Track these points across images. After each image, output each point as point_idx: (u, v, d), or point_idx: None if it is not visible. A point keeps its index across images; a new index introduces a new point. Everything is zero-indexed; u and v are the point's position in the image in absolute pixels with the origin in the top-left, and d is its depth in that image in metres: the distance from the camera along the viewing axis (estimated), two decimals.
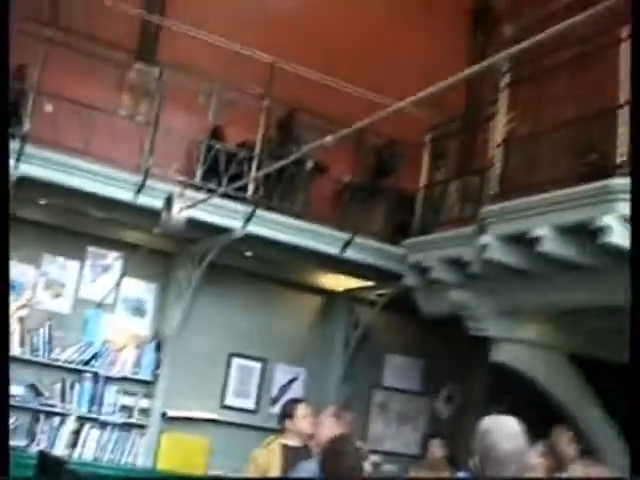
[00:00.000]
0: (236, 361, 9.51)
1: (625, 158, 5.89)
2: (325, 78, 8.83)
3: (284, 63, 8.68)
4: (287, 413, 6.72)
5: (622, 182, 5.72)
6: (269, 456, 6.45)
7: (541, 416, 6.68)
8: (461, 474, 7.06)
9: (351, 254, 8.93)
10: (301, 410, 6.71)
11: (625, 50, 6.02)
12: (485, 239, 6.88)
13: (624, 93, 5.98)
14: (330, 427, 6.16)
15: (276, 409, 7.83)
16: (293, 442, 6.57)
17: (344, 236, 8.87)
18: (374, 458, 8.73)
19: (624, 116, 5.96)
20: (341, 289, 10.01)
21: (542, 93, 7.18)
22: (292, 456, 6.40)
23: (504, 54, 3.98)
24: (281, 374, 9.74)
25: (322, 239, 8.81)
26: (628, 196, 5.59)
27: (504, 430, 3.51)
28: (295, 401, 7.19)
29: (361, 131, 8.01)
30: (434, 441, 8.57)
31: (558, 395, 7.71)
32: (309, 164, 9.08)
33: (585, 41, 6.55)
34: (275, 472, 6.38)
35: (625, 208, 5.67)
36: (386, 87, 7.69)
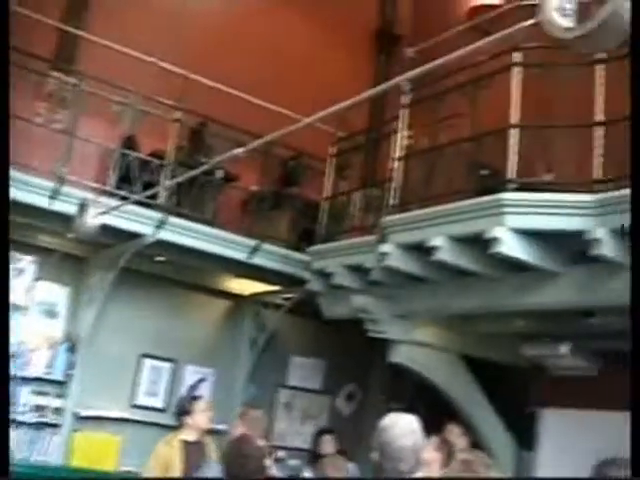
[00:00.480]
0: (147, 362, 9.43)
1: (514, 175, 6.15)
2: (237, 92, 8.96)
3: (197, 76, 8.77)
4: (186, 409, 6.95)
5: (511, 196, 6.00)
6: (170, 452, 6.66)
7: (436, 412, 7.07)
8: (351, 466, 7.40)
9: (258, 260, 9.05)
10: (199, 406, 6.95)
11: (516, 74, 6.35)
12: (385, 248, 7.05)
13: (515, 114, 6.26)
14: (238, 427, 6.53)
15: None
16: (192, 437, 6.82)
17: (251, 243, 9.00)
18: (279, 454, 9.11)
19: (515, 136, 6.24)
20: (248, 293, 10.06)
21: (440, 112, 7.32)
22: (191, 451, 6.68)
23: (403, 77, 4.35)
24: (190, 374, 9.69)
25: (230, 245, 8.91)
26: (517, 209, 6.04)
27: (401, 427, 3.68)
28: (193, 398, 7.38)
29: (270, 143, 7.97)
30: (326, 436, 8.71)
31: (451, 393, 7.95)
32: (219, 174, 9.19)
33: (480, 65, 6.86)
34: (176, 467, 6.57)
35: (514, 220, 5.93)
36: (298, 102, 7.84)
